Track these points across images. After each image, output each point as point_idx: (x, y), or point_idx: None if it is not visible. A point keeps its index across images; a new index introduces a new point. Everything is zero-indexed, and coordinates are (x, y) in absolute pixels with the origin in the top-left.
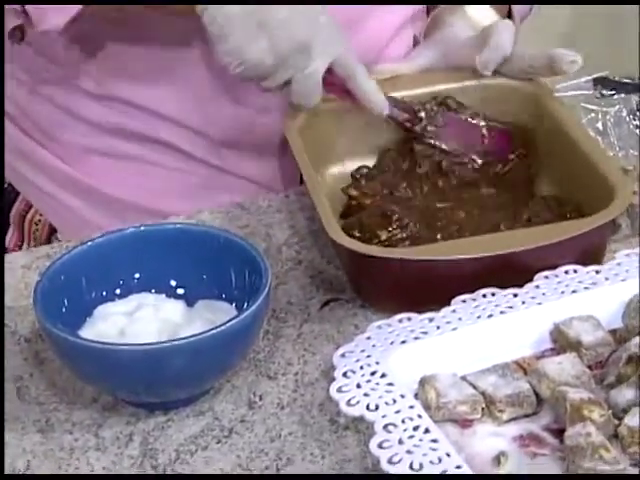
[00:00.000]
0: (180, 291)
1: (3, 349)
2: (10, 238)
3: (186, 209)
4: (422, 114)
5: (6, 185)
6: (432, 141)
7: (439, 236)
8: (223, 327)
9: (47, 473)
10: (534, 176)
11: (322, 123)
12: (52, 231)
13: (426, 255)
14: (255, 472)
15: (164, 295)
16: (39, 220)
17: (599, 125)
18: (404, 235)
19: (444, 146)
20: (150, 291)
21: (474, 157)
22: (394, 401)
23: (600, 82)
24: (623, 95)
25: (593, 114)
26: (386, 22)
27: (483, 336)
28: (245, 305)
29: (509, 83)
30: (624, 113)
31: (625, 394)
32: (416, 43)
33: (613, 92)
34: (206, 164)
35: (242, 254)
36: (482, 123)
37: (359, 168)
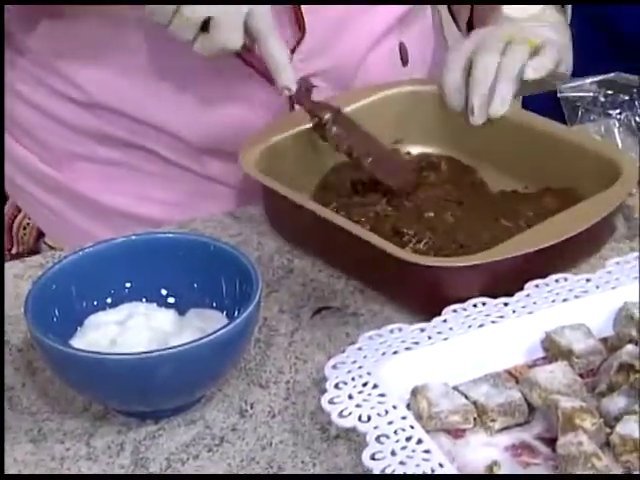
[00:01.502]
0: (171, 300)
1: (3, 355)
2: None
3: (171, 216)
4: (328, 115)
5: None
6: (338, 132)
7: (453, 245)
8: (213, 336)
9: None
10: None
11: (279, 155)
12: (40, 235)
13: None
14: None
15: (155, 304)
16: (27, 224)
17: (602, 128)
18: (425, 247)
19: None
20: (141, 300)
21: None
22: (386, 412)
23: (605, 84)
24: (628, 97)
25: (596, 116)
26: (369, 27)
27: (474, 346)
28: (236, 313)
29: None
30: (629, 116)
31: (617, 402)
32: (403, 50)
33: (618, 94)
34: (188, 171)
35: (233, 262)
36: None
37: None
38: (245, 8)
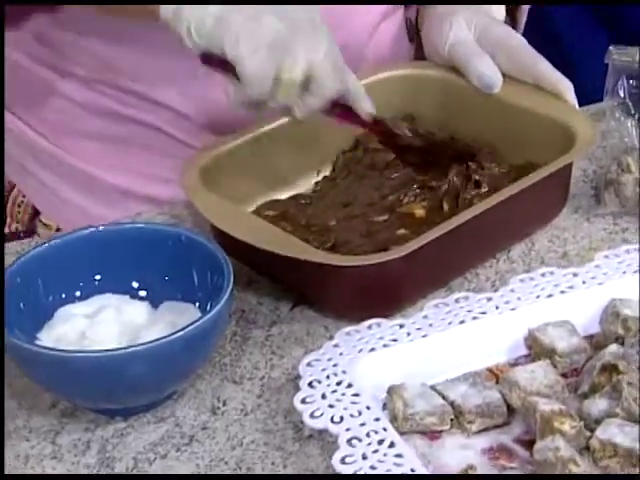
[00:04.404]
0: (142, 293)
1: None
2: None
3: (173, 194)
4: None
5: None
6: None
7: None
8: (182, 332)
9: None
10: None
11: (223, 168)
12: (36, 213)
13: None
14: None
15: (128, 296)
16: (22, 201)
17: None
18: None
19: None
20: (113, 293)
21: None
22: (359, 413)
23: None
24: None
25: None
26: (369, 14)
27: (455, 343)
28: (209, 307)
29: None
30: None
31: (598, 404)
32: (410, 26)
33: None
34: (189, 147)
35: (204, 254)
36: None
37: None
38: (330, 46)
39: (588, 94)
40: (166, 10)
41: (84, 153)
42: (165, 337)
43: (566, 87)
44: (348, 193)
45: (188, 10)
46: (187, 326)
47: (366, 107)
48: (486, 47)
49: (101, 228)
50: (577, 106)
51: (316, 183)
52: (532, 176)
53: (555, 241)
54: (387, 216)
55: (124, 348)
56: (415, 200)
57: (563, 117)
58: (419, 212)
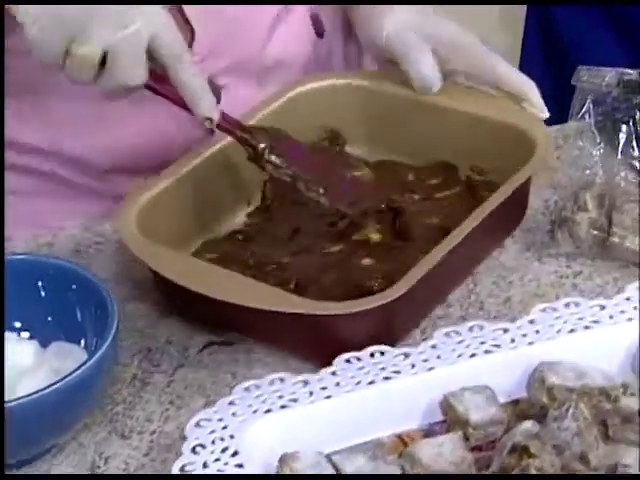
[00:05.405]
0: (25, 335)
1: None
2: None
3: None
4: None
5: None
6: (278, 161)
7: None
8: (58, 384)
9: None
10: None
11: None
12: None
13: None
14: None
15: (16, 334)
16: None
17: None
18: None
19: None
20: None
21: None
22: None
23: (628, 82)
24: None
25: (603, 113)
26: (264, 13)
27: (361, 406)
28: (95, 345)
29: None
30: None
31: None
32: (316, 21)
33: (634, 95)
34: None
35: (87, 288)
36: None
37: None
38: (146, 33)
39: None
40: None
41: None
42: (38, 392)
43: (530, 88)
44: (289, 224)
45: None
46: (63, 378)
47: (203, 109)
48: (429, 43)
49: None
50: (544, 108)
51: (248, 215)
52: (485, 206)
53: (500, 283)
54: (341, 245)
55: None
56: (367, 223)
57: (512, 120)
58: (375, 237)
